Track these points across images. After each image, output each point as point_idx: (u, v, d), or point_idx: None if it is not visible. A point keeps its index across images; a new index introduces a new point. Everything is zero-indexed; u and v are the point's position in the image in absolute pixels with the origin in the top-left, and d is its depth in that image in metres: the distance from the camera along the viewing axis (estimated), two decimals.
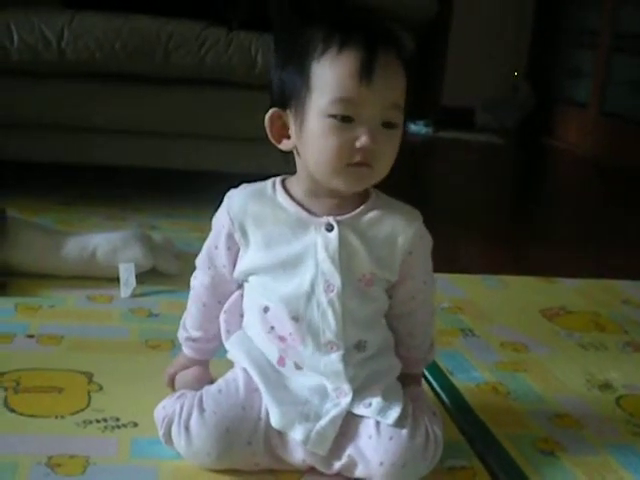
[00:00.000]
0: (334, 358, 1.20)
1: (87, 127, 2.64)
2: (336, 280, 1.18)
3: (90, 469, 1.19)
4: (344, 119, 1.13)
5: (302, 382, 1.22)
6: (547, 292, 2.21)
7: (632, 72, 4.74)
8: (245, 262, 1.24)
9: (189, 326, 1.36)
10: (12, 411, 1.34)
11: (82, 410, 1.36)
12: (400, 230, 1.22)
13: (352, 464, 1.19)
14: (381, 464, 1.16)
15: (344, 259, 1.19)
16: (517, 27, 5.57)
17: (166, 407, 1.23)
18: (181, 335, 1.38)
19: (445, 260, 2.36)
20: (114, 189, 2.95)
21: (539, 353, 1.78)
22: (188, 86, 2.61)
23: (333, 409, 1.19)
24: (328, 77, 1.13)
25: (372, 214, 1.21)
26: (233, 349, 1.28)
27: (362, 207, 1.21)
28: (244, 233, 1.23)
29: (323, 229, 1.19)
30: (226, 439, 1.17)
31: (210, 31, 2.58)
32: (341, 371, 1.20)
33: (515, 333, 1.88)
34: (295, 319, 1.20)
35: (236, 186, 1.26)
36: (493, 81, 5.52)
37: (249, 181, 1.27)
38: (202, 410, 1.19)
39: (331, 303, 1.19)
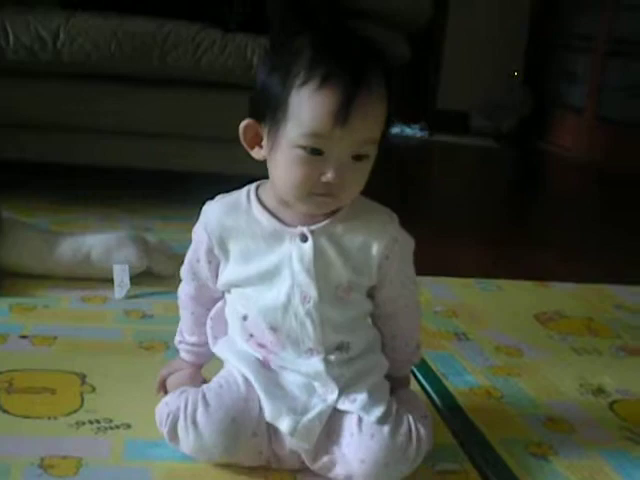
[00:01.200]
0: (315, 361, 1.21)
1: (83, 128, 2.64)
2: (312, 291, 1.19)
3: (83, 470, 1.19)
4: (313, 151, 1.12)
5: (291, 379, 1.23)
6: (541, 296, 2.21)
7: (627, 77, 4.75)
8: (225, 275, 1.25)
9: (184, 331, 1.38)
10: (5, 412, 1.34)
11: (75, 411, 1.36)
12: (375, 236, 1.21)
13: (333, 462, 1.20)
14: (362, 462, 1.17)
15: (320, 269, 1.19)
16: (513, 31, 5.57)
17: (169, 403, 1.23)
18: (177, 340, 1.39)
19: (439, 264, 2.37)
20: (109, 190, 2.95)
21: (533, 357, 1.78)
22: (184, 87, 2.61)
23: (320, 404, 1.20)
24: (304, 110, 1.10)
25: (346, 221, 1.20)
26: (222, 352, 1.30)
27: (336, 215, 1.20)
28: (222, 247, 1.24)
29: (297, 240, 1.19)
30: (233, 430, 1.18)
31: (206, 33, 2.58)
32: (322, 372, 1.21)
33: (509, 337, 1.88)
34: (273, 329, 1.22)
35: (212, 198, 1.27)
36: (488, 85, 5.52)
37: (244, 183, 1.27)
38: (207, 404, 1.19)
39: (308, 314, 1.19)
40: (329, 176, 1.12)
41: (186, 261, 1.32)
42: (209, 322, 1.33)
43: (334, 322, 1.21)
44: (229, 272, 1.25)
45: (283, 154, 1.14)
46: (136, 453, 1.25)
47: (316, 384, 1.22)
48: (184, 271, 1.34)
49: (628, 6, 4.76)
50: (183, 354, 1.39)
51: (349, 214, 1.21)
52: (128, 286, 1.91)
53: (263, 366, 1.24)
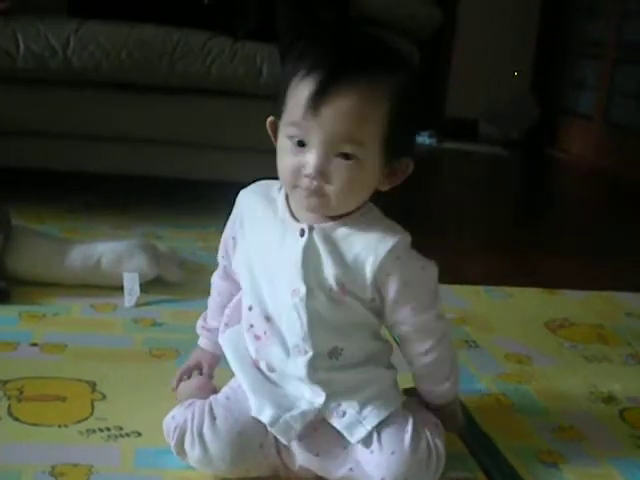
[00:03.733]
0: (300, 362, 1.20)
1: (93, 136, 2.64)
2: (300, 285, 1.18)
3: (93, 478, 1.20)
4: (299, 143, 1.13)
5: (278, 380, 1.24)
6: (551, 304, 2.21)
7: (636, 83, 4.74)
8: (237, 255, 1.28)
9: (208, 316, 1.40)
10: (16, 420, 1.35)
11: (85, 419, 1.37)
12: (371, 250, 1.18)
13: (353, 478, 1.21)
14: (383, 479, 1.17)
15: (310, 266, 1.18)
16: (521, 38, 5.57)
17: (176, 417, 1.23)
18: (199, 325, 1.42)
19: (449, 271, 2.36)
20: (119, 198, 2.96)
21: (543, 365, 1.78)
22: (193, 95, 2.62)
23: (305, 405, 1.20)
24: (289, 99, 1.14)
25: (349, 228, 1.19)
26: (223, 343, 1.32)
27: (343, 219, 1.20)
28: (242, 226, 1.27)
29: (297, 234, 1.20)
30: (239, 443, 1.19)
31: (216, 41, 2.58)
32: (304, 376, 1.20)
33: (519, 345, 1.87)
34: (267, 319, 1.23)
35: (222, 205, 1.33)
36: (497, 92, 5.52)
37: None
38: (213, 417, 1.20)
39: (295, 307, 1.19)
40: (307, 167, 1.12)
41: (221, 239, 1.35)
42: (227, 310, 1.34)
43: (325, 322, 1.20)
44: (239, 252, 1.27)
45: (278, 144, 1.18)
46: (146, 461, 1.25)
47: (303, 386, 1.21)
48: (219, 250, 1.37)
49: (637, 12, 4.75)
50: (202, 340, 1.41)
51: (355, 223, 1.20)
52: (138, 294, 1.92)
53: (254, 366, 1.25)
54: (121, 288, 1.93)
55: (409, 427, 1.20)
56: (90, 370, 1.55)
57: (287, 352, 1.22)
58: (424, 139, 5.21)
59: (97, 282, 1.97)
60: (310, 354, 1.20)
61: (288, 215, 1.21)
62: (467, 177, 4.56)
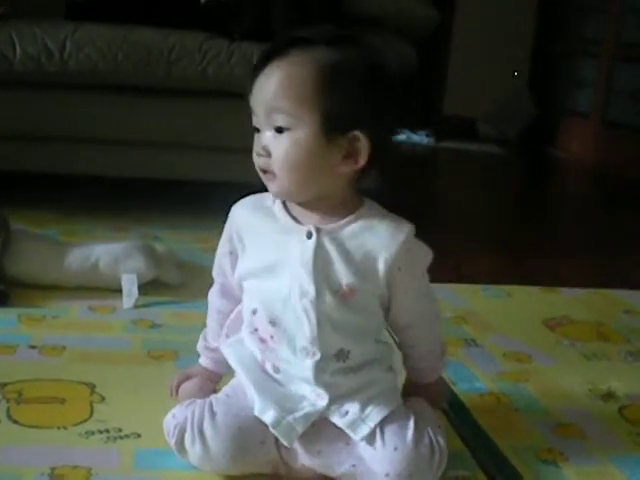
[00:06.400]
0: (307, 365, 1.21)
1: (89, 138, 2.65)
2: (310, 287, 1.18)
3: None
4: (256, 130, 1.20)
5: (284, 381, 1.24)
6: (550, 302, 2.21)
7: (634, 81, 4.74)
8: (239, 267, 1.27)
9: (208, 335, 1.39)
10: (15, 422, 1.34)
11: (85, 421, 1.36)
12: (384, 246, 1.19)
13: (355, 474, 1.21)
14: (387, 475, 1.17)
15: (320, 267, 1.19)
16: (519, 37, 5.57)
17: (176, 415, 1.23)
18: (200, 345, 1.40)
19: (447, 270, 2.37)
20: (117, 200, 2.96)
21: (542, 363, 1.78)
22: (191, 97, 2.62)
23: (308, 407, 1.21)
24: None
25: (356, 226, 1.20)
26: (227, 353, 1.31)
27: (347, 218, 1.20)
28: (240, 240, 1.26)
29: (304, 237, 1.20)
30: (239, 439, 1.19)
31: (212, 42, 2.59)
32: (311, 378, 1.21)
33: (518, 343, 1.87)
34: (273, 323, 1.22)
35: (219, 206, 1.33)
36: (495, 91, 5.52)
37: (254, 192, 1.29)
38: (213, 414, 1.20)
39: (305, 310, 1.19)
40: (254, 149, 1.18)
41: (215, 258, 1.35)
42: (227, 322, 1.34)
43: (333, 324, 1.20)
44: (242, 264, 1.27)
45: None
46: (146, 463, 1.25)
47: (307, 388, 1.22)
48: (214, 270, 1.36)
49: (635, 10, 4.76)
50: (204, 360, 1.40)
51: (361, 219, 1.20)
52: (137, 295, 1.92)
53: (259, 368, 1.25)
54: (119, 290, 1.93)
55: (411, 423, 1.20)
56: (89, 372, 1.55)
57: (295, 354, 1.21)
58: (422, 138, 5.21)
59: (95, 284, 1.97)
60: (318, 356, 1.20)
61: (290, 219, 1.22)
62: (465, 176, 4.56)
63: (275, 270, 1.21)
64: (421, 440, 1.19)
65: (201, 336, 1.40)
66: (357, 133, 1.15)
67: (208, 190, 2.80)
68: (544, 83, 5.56)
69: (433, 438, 1.20)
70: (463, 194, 3.94)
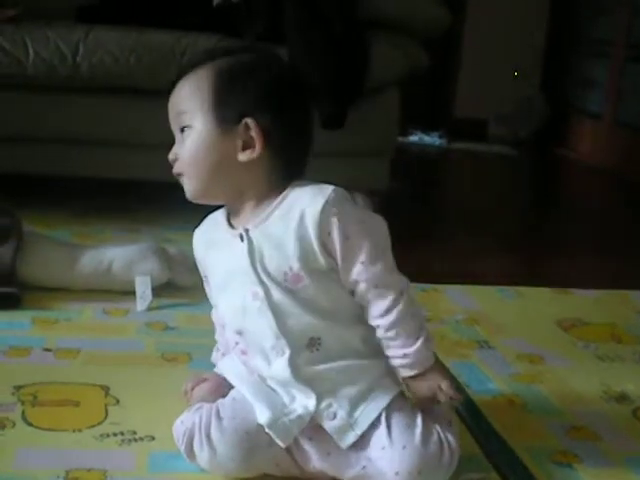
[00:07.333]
0: (281, 365, 1.20)
1: (102, 141, 2.65)
2: (257, 288, 1.19)
3: None
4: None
5: (273, 386, 1.23)
6: (563, 303, 2.20)
7: None
8: (210, 289, 1.34)
9: (221, 348, 1.41)
10: (30, 425, 1.35)
11: (99, 424, 1.37)
12: (306, 214, 1.17)
13: (366, 476, 1.21)
14: (397, 474, 1.17)
15: (259, 264, 1.19)
16: (530, 38, 5.56)
17: (185, 421, 1.24)
18: (213, 356, 1.42)
19: (460, 271, 2.37)
20: (129, 202, 2.96)
21: (555, 365, 1.77)
22: None
23: (299, 409, 1.20)
24: None
25: (278, 210, 1.20)
26: (221, 365, 1.35)
27: (268, 208, 1.21)
28: (202, 263, 1.33)
29: (238, 240, 1.22)
30: (247, 442, 1.19)
31: (225, 44, 2.58)
32: (290, 377, 1.20)
33: (531, 345, 1.87)
34: (239, 333, 1.25)
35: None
36: (506, 92, 5.51)
37: None
38: (220, 418, 1.21)
39: (260, 310, 1.20)
40: (169, 156, 1.27)
41: None
42: (221, 339, 1.38)
43: (293, 315, 1.19)
44: (209, 286, 1.33)
45: None
46: (160, 465, 1.26)
47: (292, 389, 1.21)
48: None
49: None
50: (218, 370, 1.40)
51: (281, 202, 1.21)
52: (150, 298, 1.92)
53: (251, 376, 1.26)
54: (133, 292, 1.93)
55: (419, 421, 1.20)
56: (103, 375, 1.55)
57: (267, 359, 1.22)
58: (434, 140, 5.21)
59: (109, 287, 1.98)
60: (288, 352, 1.20)
61: (226, 226, 1.26)
62: (477, 177, 4.55)
63: (227, 282, 1.25)
64: (429, 438, 1.19)
65: (215, 348, 1.42)
66: (248, 120, 1.20)
67: None
68: (556, 84, 5.55)
69: (442, 436, 1.21)
70: (475, 195, 3.94)
